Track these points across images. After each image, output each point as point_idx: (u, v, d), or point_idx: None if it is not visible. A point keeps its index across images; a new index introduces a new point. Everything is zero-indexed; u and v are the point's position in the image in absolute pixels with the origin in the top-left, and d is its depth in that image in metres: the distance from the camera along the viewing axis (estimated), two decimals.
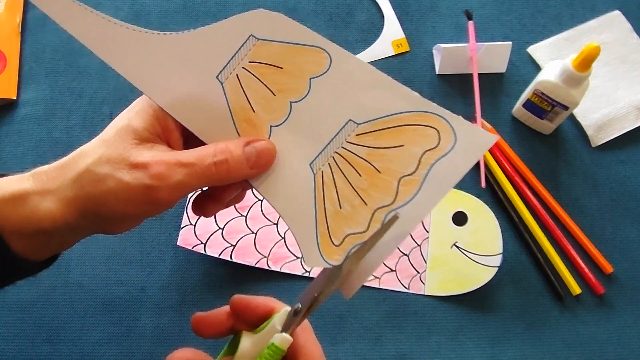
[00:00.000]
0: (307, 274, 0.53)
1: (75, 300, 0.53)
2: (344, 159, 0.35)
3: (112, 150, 0.33)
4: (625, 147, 0.60)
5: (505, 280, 0.54)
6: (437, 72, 0.62)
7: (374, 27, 0.64)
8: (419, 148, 0.34)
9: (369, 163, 0.35)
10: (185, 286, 0.54)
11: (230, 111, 0.36)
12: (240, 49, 0.35)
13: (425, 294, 0.54)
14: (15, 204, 0.32)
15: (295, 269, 0.54)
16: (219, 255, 0.53)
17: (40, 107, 0.60)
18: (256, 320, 0.36)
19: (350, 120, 0.35)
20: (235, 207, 0.55)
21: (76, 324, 0.52)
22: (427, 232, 0.55)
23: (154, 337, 0.52)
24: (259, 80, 0.36)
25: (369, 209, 0.34)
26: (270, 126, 0.36)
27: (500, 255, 0.54)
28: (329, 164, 0.35)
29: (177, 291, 0.53)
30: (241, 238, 0.54)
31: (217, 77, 0.36)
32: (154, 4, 0.65)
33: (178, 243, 0.54)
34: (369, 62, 0.62)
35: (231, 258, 0.53)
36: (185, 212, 0.55)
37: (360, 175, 0.35)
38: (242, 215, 0.55)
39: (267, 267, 0.53)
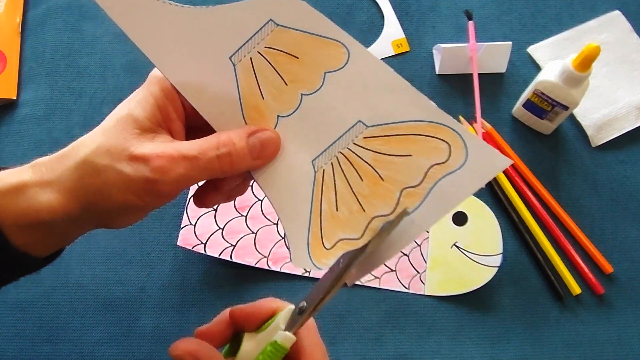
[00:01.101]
0: (307, 274, 0.53)
1: (75, 300, 0.53)
2: (348, 160, 0.34)
3: (112, 140, 0.32)
4: (625, 147, 0.60)
5: (505, 280, 0.54)
6: (437, 72, 0.62)
7: (374, 27, 0.64)
8: (427, 160, 0.33)
9: (373, 169, 0.34)
10: (185, 286, 0.54)
11: (239, 95, 0.34)
12: (258, 32, 0.34)
13: (425, 294, 0.54)
14: (14, 196, 0.32)
15: (296, 269, 0.54)
16: (219, 255, 0.53)
17: (40, 107, 0.60)
18: (260, 324, 0.35)
19: (359, 121, 0.34)
20: (235, 207, 0.55)
21: (76, 323, 0.52)
22: (427, 232, 0.55)
23: (154, 337, 0.52)
24: (273, 67, 0.34)
25: (366, 216, 0.33)
26: (278, 116, 0.34)
27: (500, 255, 0.54)
28: (331, 163, 0.34)
29: (177, 291, 0.53)
30: (241, 238, 0.54)
31: (230, 58, 0.34)
32: None
33: (178, 243, 0.54)
34: None
35: (231, 258, 0.53)
36: (185, 212, 0.55)
37: (362, 180, 0.34)
38: (242, 215, 0.55)
39: (267, 267, 0.53)
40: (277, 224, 0.55)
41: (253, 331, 0.35)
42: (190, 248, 0.53)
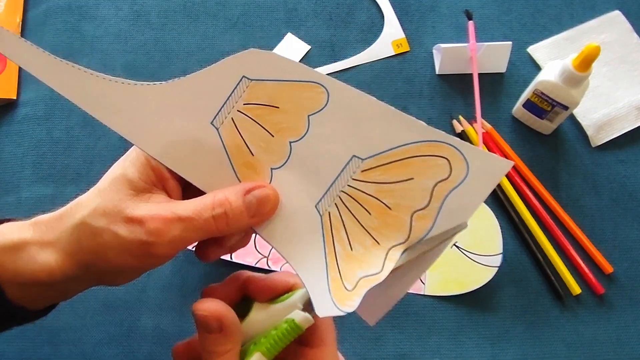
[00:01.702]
0: None
1: (76, 301, 0.52)
2: (351, 197, 0.33)
3: (107, 201, 0.32)
4: (625, 147, 0.60)
5: (505, 280, 0.54)
6: (437, 72, 0.62)
7: (374, 27, 0.64)
8: (430, 180, 0.32)
9: (379, 200, 0.33)
10: (186, 287, 0.54)
11: (228, 156, 0.34)
12: (233, 91, 0.33)
13: (425, 294, 0.54)
14: (14, 253, 0.32)
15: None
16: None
17: (40, 107, 0.60)
18: (273, 297, 0.34)
19: (354, 156, 0.33)
20: None
21: (77, 324, 0.52)
22: None
23: (155, 338, 0.52)
24: (256, 122, 0.34)
25: (382, 248, 0.32)
26: (272, 168, 0.34)
27: (500, 255, 0.54)
28: (335, 204, 0.33)
29: (177, 292, 0.53)
30: None
31: (211, 122, 0.33)
32: (154, 4, 0.65)
33: None
34: (368, 62, 0.63)
35: (231, 258, 0.53)
36: None
37: (370, 213, 0.33)
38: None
39: (267, 267, 0.53)
40: None
41: (264, 302, 0.34)
42: (190, 248, 0.53)
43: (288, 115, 0.33)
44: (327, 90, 0.33)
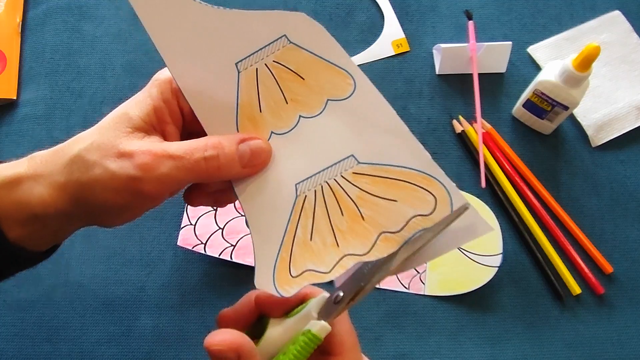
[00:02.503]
0: None
1: (75, 300, 0.53)
2: (332, 192, 0.33)
3: (104, 137, 0.32)
4: (625, 147, 0.60)
5: (505, 280, 0.54)
6: (437, 72, 0.62)
7: (374, 27, 0.64)
8: (411, 210, 0.32)
9: (356, 206, 0.33)
10: (185, 286, 0.54)
11: (237, 103, 0.34)
12: (269, 44, 0.33)
13: (425, 294, 0.54)
14: (9, 189, 0.32)
15: None
16: (219, 255, 0.53)
17: (40, 107, 0.60)
18: (288, 311, 0.34)
19: (352, 155, 0.33)
20: (235, 207, 0.55)
21: (76, 323, 0.52)
22: None
23: (154, 337, 0.52)
24: (277, 82, 0.34)
25: (339, 252, 0.32)
26: (272, 132, 0.34)
27: (500, 255, 0.54)
28: (315, 190, 0.33)
29: (177, 291, 0.53)
30: (241, 238, 0.54)
31: (237, 63, 0.34)
32: None
33: (178, 243, 0.54)
34: (368, 62, 0.63)
35: (231, 258, 0.53)
36: (185, 212, 0.55)
37: (342, 214, 0.33)
38: (242, 215, 0.55)
39: None
40: None
41: (279, 317, 0.33)
42: (190, 248, 0.53)
43: (310, 90, 0.33)
44: (355, 84, 0.33)
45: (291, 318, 0.33)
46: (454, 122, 0.60)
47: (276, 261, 0.32)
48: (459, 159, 0.59)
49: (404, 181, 0.32)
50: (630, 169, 0.59)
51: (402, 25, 0.64)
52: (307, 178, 0.33)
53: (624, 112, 0.60)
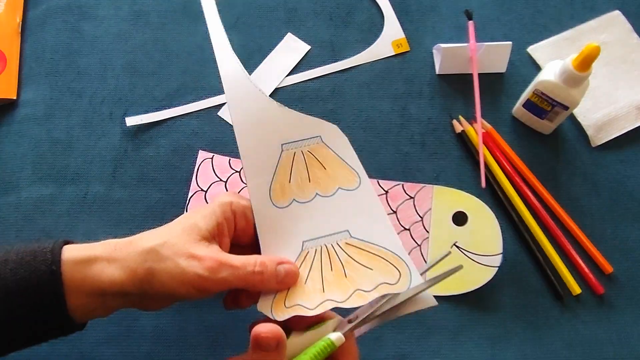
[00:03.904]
0: None
1: None
2: (328, 253, 0.44)
3: (177, 239, 0.39)
4: (625, 147, 0.60)
5: (505, 280, 0.54)
6: (437, 72, 0.62)
7: (374, 27, 0.64)
8: (381, 277, 0.42)
9: (343, 267, 0.43)
10: None
11: (275, 172, 0.45)
12: (308, 139, 0.46)
13: None
14: (84, 265, 0.38)
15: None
16: None
17: (40, 107, 0.60)
18: (308, 326, 0.41)
19: (347, 230, 0.44)
20: None
21: None
22: (427, 232, 0.55)
23: (154, 337, 0.52)
24: (306, 165, 0.46)
25: (323, 296, 0.41)
26: (294, 199, 0.45)
27: (500, 255, 0.54)
28: (315, 249, 0.44)
29: None
30: None
31: (282, 144, 0.46)
32: (154, 4, 0.65)
33: None
34: (368, 62, 0.63)
35: None
36: (185, 212, 0.55)
37: (331, 270, 0.43)
38: None
39: None
40: None
41: (301, 330, 0.41)
42: None
43: (328, 177, 0.46)
44: (360, 182, 0.46)
45: (310, 331, 0.40)
46: (454, 122, 0.60)
47: (275, 294, 0.42)
48: (459, 159, 0.59)
49: (380, 257, 0.43)
50: (630, 169, 0.59)
51: (402, 25, 0.64)
52: (312, 239, 0.44)
53: (624, 112, 0.60)
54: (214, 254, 0.39)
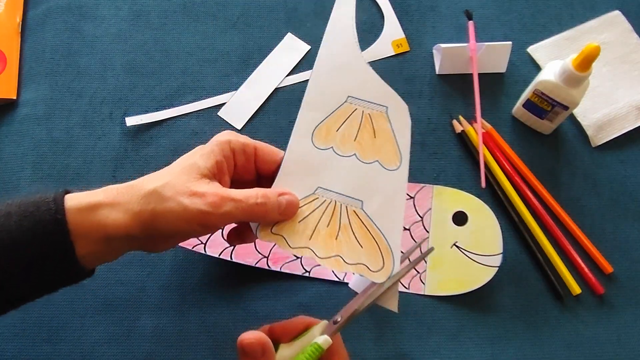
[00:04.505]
0: (307, 274, 0.54)
1: (75, 300, 0.53)
2: (333, 210, 0.44)
3: (177, 179, 0.39)
4: (625, 147, 0.60)
5: (505, 280, 0.54)
6: (437, 72, 0.62)
7: (374, 27, 0.64)
8: (365, 259, 0.43)
9: (338, 229, 0.44)
10: (185, 286, 0.54)
11: (329, 115, 0.46)
12: (375, 104, 0.47)
13: (425, 294, 0.54)
14: (88, 213, 0.38)
15: (295, 269, 0.54)
16: (219, 255, 0.53)
17: (40, 107, 0.60)
18: (295, 336, 0.42)
19: (362, 201, 0.44)
20: None
21: (76, 323, 0.52)
22: (427, 232, 0.55)
23: (154, 337, 0.52)
24: (359, 125, 0.46)
25: (307, 243, 0.43)
26: (332, 147, 0.45)
27: (500, 255, 0.54)
28: (325, 200, 0.44)
29: (177, 291, 0.53)
30: None
31: (349, 96, 0.47)
32: (154, 4, 0.65)
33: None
34: (368, 62, 0.63)
35: (231, 258, 0.53)
36: None
37: (327, 226, 0.44)
38: None
39: (267, 267, 0.53)
40: None
41: (288, 342, 0.42)
42: (190, 248, 0.53)
43: (373, 146, 0.46)
44: (399, 167, 0.46)
45: (298, 340, 0.42)
46: (454, 122, 0.60)
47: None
48: (459, 159, 0.59)
49: (375, 242, 0.44)
50: (630, 169, 0.59)
51: (402, 25, 0.64)
52: (327, 190, 0.45)
53: (624, 112, 0.60)
54: (216, 189, 0.40)
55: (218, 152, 0.42)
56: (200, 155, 0.42)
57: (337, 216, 0.44)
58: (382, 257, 0.43)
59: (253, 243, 0.54)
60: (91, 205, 0.38)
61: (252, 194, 0.41)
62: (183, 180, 0.40)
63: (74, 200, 0.38)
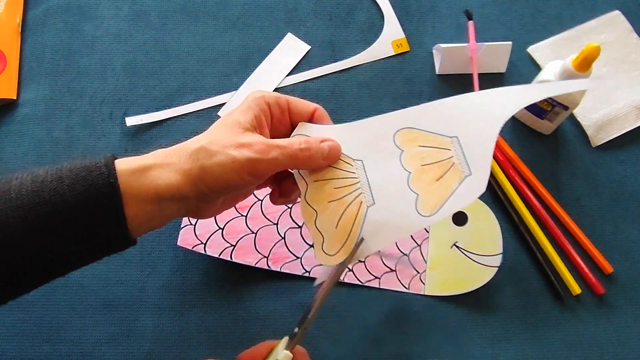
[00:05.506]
0: (307, 274, 0.54)
1: (75, 300, 0.53)
2: (354, 194, 0.44)
3: (222, 135, 0.41)
4: (625, 147, 0.60)
5: (505, 280, 0.54)
6: (437, 72, 0.62)
7: (374, 27, 0.64)
8: (327, 235, 0.44)
9: (344, 205, 0.44)
10: (185, 286, 0.54)
11: (426, 131, 0.45)
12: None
13: (425, 294, 0.54)
14: (140, 175, 0.39)
15: (295, 269, 0.54)
16: (219, 255, 0.53)
17: (40, 107, 0.60)
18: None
19: (375, 203, 0.43)
20: (235, 207, 0.55)
21: (76, 324, 0.52)
22: (427, 232, 0.55)
23: (154, 337, 0.52)
24: (438, 164, 0.43)
25: (320, 207, 0.45)
26: (403, 151, 0.44)
27: (500, 255, 0.54)
28: (360, 184, 0.44)
29: (177, 291, 0.53)
30: (241, 238, 0.54)
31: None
32: (154, 4, 0.65)
33: (178, 243, 0.54)
34: (368, 62, 0.63)
35: (231, 258, 0.53)
36: None
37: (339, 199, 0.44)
38: (242, 215, 0.55)
39: (267, 267, 0.53)
40: (277, 224, 0.55)
41: None
42: (190, 248, 0.53)
43: (433, 190, 0.43)
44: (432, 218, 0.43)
45: None
46: None
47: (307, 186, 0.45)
48: None
49: (349, 233, 0.44)
50: (630, 169, 0.59)
51: (402, 25, 0.64)
52: (364, 170, 0.44)
53: (624, 112, 0.60)
54: (261, 139, 0.41)
55: (255, 107, 0.44)
56: (239, 112, 0.43)
57: (350, 195, 0.44)
58: (342, 246, 0.43)
59: (253, 242, 0.54)
60: (142, 167, 0.39)
61: (295, 141, 0.42)
62: (228, 135, 0.41)
63: (124, 164, 0.39)
